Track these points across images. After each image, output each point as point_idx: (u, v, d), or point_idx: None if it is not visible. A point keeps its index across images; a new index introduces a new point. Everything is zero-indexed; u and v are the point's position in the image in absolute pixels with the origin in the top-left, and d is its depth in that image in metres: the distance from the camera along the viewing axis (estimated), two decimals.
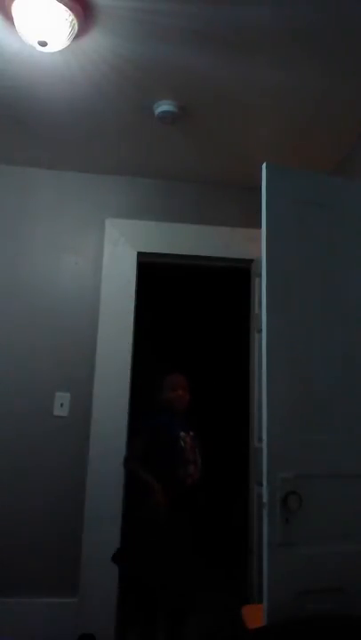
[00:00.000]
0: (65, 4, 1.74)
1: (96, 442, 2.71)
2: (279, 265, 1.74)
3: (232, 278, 3.46)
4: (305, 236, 1.80)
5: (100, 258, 2.92)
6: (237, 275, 3.21)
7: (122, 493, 2.67)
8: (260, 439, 2.35)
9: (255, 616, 1.66)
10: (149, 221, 3.00)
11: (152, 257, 3.01)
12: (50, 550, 2.62)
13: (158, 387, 2.49)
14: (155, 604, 2.23)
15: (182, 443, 2.30)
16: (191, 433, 2.38)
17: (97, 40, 1.94)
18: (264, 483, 1.59)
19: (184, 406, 2.45)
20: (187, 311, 4.47)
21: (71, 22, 1.80)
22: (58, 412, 2.74)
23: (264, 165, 1.78)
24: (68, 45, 1.90)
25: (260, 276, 1.85)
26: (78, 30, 1.85)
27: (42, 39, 1.81)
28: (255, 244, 2.07)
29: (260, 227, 1.76)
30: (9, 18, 1.80)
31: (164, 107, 2.31)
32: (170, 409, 2.42)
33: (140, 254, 2.96)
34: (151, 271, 3.15)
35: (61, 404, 2.75)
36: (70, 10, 1.76)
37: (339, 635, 1.44)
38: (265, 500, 1.57)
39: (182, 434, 2.34)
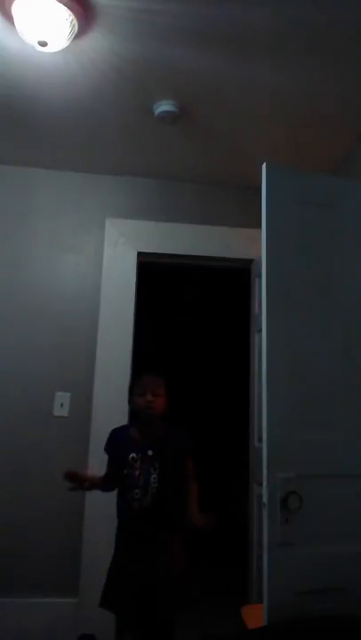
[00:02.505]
0: (65, 4, 1.74)
1: (96, 442, 2.70)
2: (279, 265, 1.74)
3: (232, 278, 3.46)
4: (305, 236, 1.80)
5: (100, 258, 2.92)
6: (237, 275, 3.21)
7: None
8: (260, 439, 2.35)
9: (255, 616, 1.65)
10: (149, 221, 3.00)
11: (152, 257, 3.01)
12: (50, 550, 2.61)
13: (130, 390, 2.16)
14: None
15: (130, 466, 2.02)
16: (150, 452, 2.01)
17: (97, 40, 1.94)
18: (264, 483, 1.59)
19: (155, 414, 2.03)
20: (187, 311, 4.48)
21: (71, 22, 1.80)
22: (58, 411, 2.74)
23: (264, 165, 1.78)
24: (68, 45, 1.90)
25: (260, 276, 1.85)
26: (78, 30, 1.85)
27: (42, 39, 1.81)
28: (255, 244, 2.07)
29: (260, 227, 1.76)
30: (9, 18, 1.80)
31: (164, 107, 2.31)
32: (137, 418, 2.10)
33: (140, 254, 2.96)
34: (151, 271, 3.15)
35: (61, 404, 2.75)
36: (70, 10, 1.76)
37: (339, 635, 1.44)
38: (265, 500, 1.57)
39: (133, 455, 2.01)
